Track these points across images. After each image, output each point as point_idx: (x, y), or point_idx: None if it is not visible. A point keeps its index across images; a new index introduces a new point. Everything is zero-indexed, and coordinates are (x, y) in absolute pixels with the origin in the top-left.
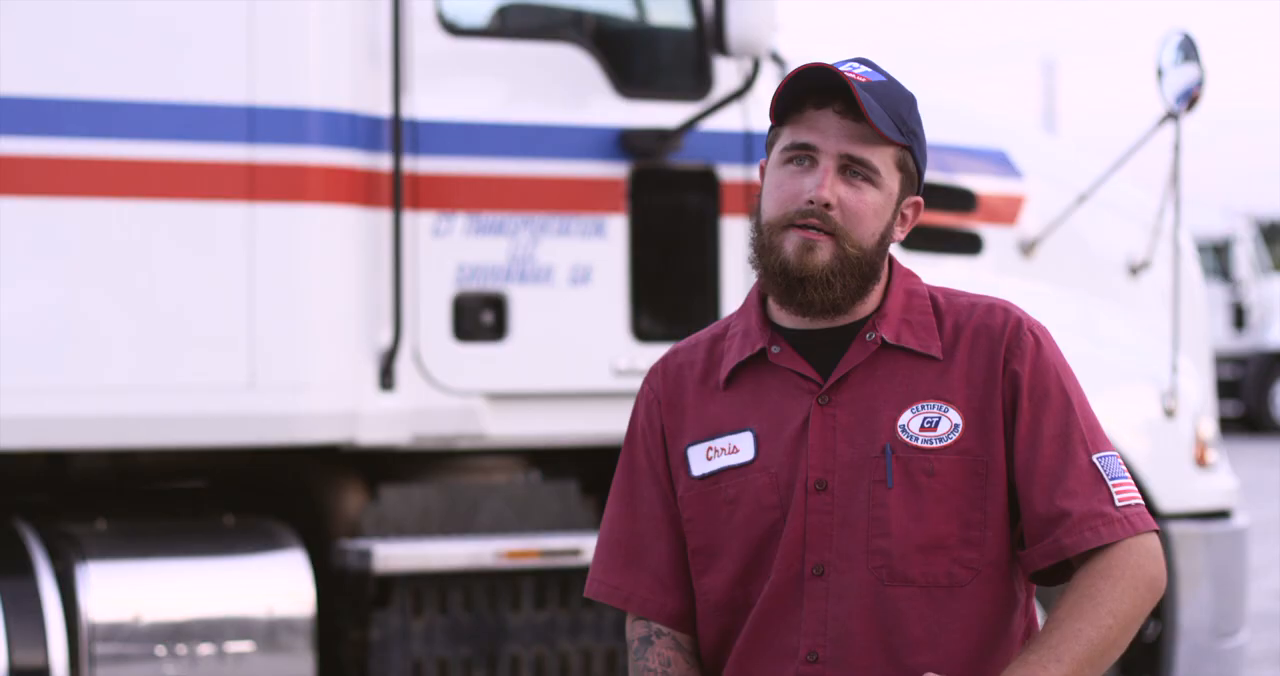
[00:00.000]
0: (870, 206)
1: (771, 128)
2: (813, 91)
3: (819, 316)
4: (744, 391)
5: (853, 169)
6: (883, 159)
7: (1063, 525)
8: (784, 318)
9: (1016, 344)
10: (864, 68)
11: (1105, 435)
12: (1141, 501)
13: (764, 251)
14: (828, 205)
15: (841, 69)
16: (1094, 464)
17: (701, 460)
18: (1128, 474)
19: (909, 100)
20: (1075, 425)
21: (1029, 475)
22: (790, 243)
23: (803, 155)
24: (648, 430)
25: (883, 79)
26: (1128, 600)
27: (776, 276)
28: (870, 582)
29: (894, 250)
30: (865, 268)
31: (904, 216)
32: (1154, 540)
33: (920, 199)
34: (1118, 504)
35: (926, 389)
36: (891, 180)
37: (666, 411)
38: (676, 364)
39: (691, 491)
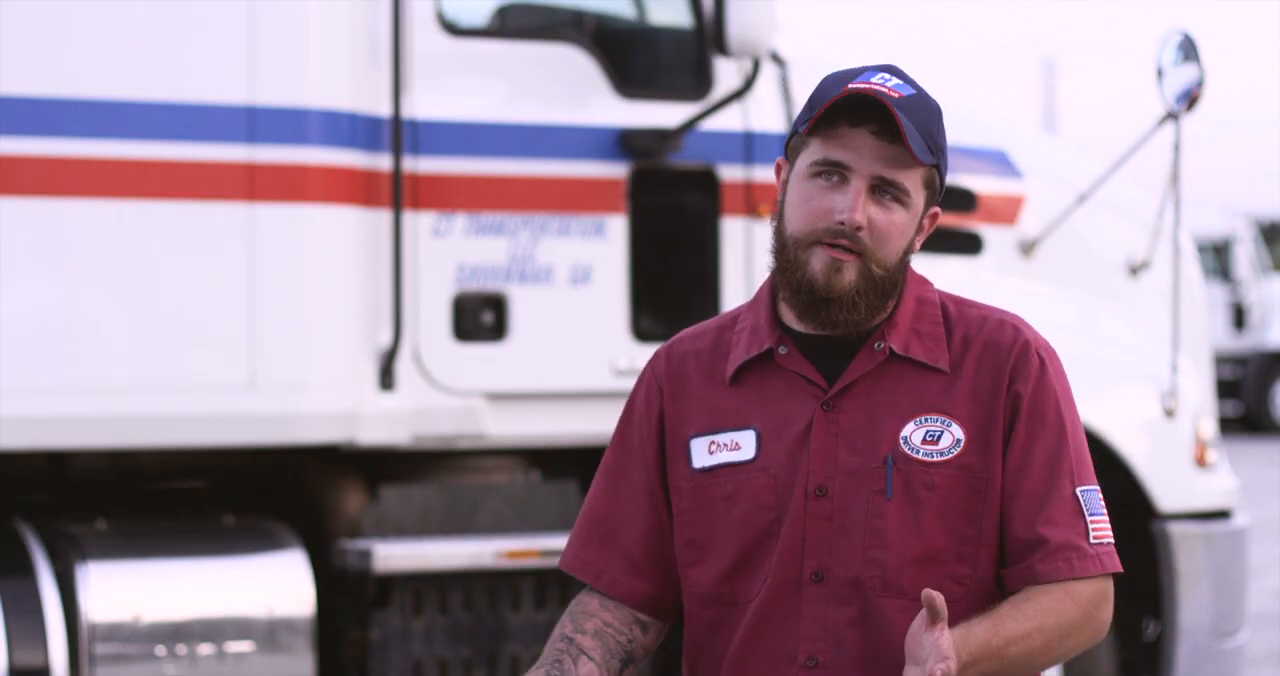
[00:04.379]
0: (898, 226)
1: (796, 133)
2: (847, 107)
3: (838, 331)
4: (749, 388)
5: (883, 189)
6: (913, 180)
7: (1039, 552)
8: (794, 320)
9: (1023, 364)
10: (895, 80)
11: (1091, 469)
12: (1112, 542)
13: (789, 267)
14: (858, 227)
15: (873, 81)
16: (1076, 496)
17: (703, 453)
18: (1104, 511)
19: (937, 114)
20: (1065, 454)
21: (1014, 497)
22: (818, 261)
23: (836, 172)
24: (644, 414)
25: (914, 93)
26: (1073, 631)
27: (801, 294)
28: (864, 592)
29: None
30: (888, 285)
31: (922, 227)
32: (1110, 585)
33: (938, 209)
34: (1092, 540)
35: (931, 401)
36: (918, 198)
37: (668, 398)
38: (681, 351)
39: (689, 483)
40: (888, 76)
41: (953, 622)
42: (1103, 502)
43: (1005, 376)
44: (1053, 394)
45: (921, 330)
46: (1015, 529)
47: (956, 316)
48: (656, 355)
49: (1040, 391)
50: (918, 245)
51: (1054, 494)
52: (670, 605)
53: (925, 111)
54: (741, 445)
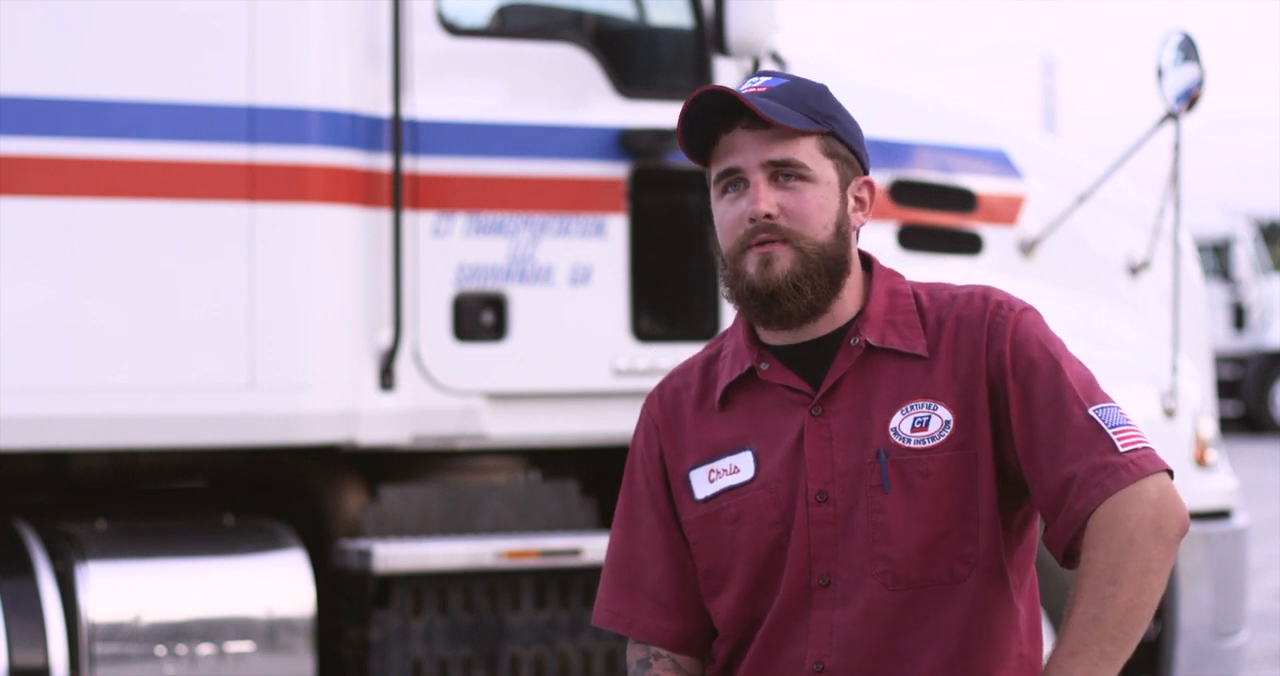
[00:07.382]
0: (812, 202)
1: (705, 170)
2: (716, 115)
3: (803, 324)
4: (740, 411)
5: (782, 173)
6: (807, 152)
7: (1071, 491)
8: (770, 334)
9: (995, 324)
10: (764, 79)
11: (1101, 390)
12: (1149, 445)
13: (731, 280)
14: (769, 215)
15: (737, 89)
16: (1090, 417)
17: (704, 483)
18: (1131, 422)
19: (817, 91)
20: (1066, 385)
21: (1031, 451)
22: (750, 263)
23: (734, 180)
24: (646, 456)
25: (784, 81)
26: (1127, 560)
27: (748, 299)
28: (875, 588)
29: (893, 250)
30: (830, 263)
31: (859, 201)
32: (1156, 482)
33: (870, 178)
34: (1122, 450)
35: (914, 388)
36: (824, 169)
37: (665, 436)
38: (672, 388)
39: (696, 515)
40: (756, 79)
41: (964, 606)
42: (1125, 414)
43: (983, 343)
44: (1033, 338)
45: (896, 320)
46: (1044, 480)
47: (929, 301)
48: (650, 397)
49: (1019, 341)
50: (858, 220)
51: (1067, 428)
52: (708, 640)
53: (800, 91)
54: (740, 468)
